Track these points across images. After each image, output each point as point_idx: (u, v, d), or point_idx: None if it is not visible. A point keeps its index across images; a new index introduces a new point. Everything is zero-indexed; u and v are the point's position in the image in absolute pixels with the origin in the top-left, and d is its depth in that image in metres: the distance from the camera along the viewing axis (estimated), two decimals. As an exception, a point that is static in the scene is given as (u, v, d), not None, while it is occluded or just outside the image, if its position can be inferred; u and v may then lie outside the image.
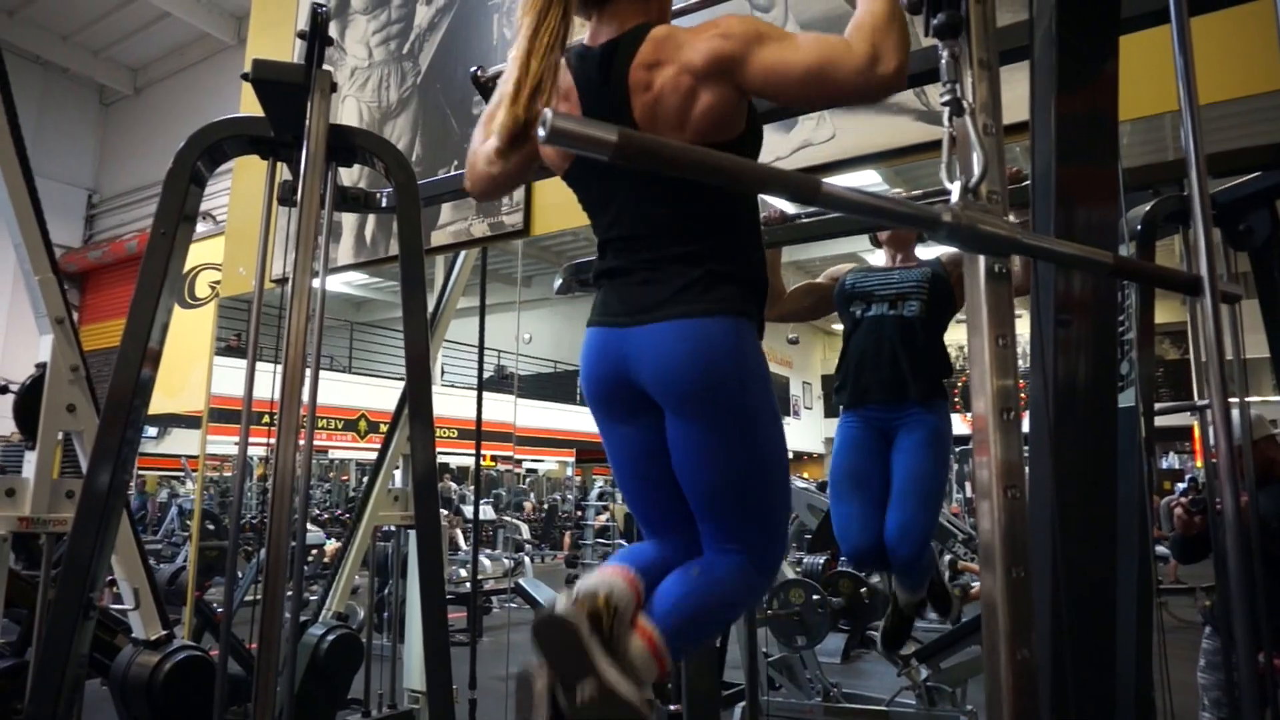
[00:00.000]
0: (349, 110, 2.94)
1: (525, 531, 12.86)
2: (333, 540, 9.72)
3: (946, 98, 0.81)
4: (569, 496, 16.14)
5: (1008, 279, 0.85)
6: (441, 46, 2.73)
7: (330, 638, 2.93)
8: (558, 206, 2.42)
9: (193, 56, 11.38)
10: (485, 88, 1.77)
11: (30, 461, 2.33)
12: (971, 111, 0.80)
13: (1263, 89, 1.50)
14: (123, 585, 2.54)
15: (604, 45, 1.27)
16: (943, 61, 0.83)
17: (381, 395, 13.90)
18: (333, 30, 3.08)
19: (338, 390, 13.26)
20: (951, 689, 5.09)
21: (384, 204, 2.14)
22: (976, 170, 0.78)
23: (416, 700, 3.44)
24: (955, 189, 0.79)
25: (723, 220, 1.27)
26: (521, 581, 6.99)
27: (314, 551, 9.47)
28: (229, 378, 5.83)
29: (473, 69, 1.76)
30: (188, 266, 7.37)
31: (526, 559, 10.63)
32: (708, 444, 1.23)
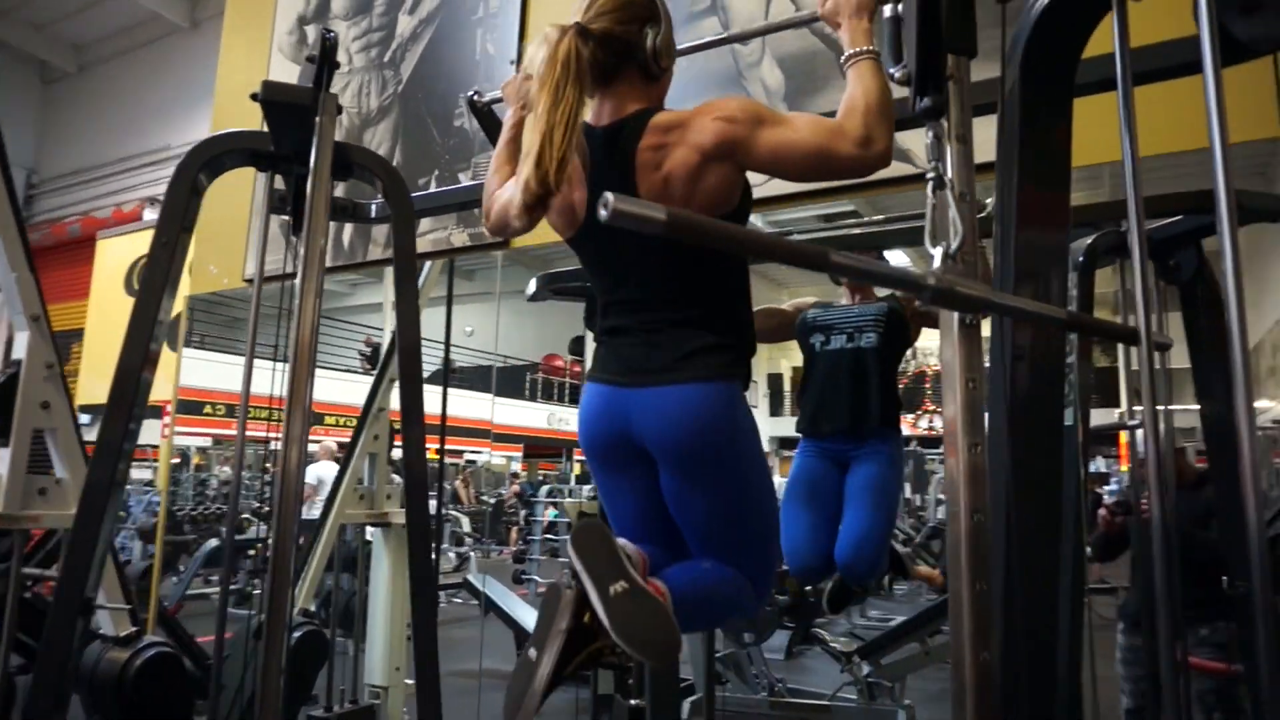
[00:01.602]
0: (327, 114, 2.97)
1: (466, 525, 12.79)
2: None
3: (932, 175, 0.93)
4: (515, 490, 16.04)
5: (978, 329, 0.98)
6: (424, 57, 2.79)
7: (296, 634, 2.97)
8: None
9: (141, 38, 11.09)
10: (481, 112, 1.86)
11: (4, 459, 2.34)
12: (952, 187, 0.93)
13: (1195, 146, 1.67)
14: (93, 581, 2.55)
15: (608, 127, 1.38)
16: (927, 142, 0.96)
17: (330, 387, 13.72)
18: (312, 35, 3.11)
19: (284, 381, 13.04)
20: (891, 684, 5.30)
21: (372, 214, 2.21)
22: (955, 240, 0.91)
23: (377, 695, 3.49)
24: (937, 255, 0.91)
25: (721, 290, 1.40)
26: (470, 577, 7.04)
27: (258, 545, 9.37)
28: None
29: (469, 93, 1.83)
30: (134, 256, 7.19)
31: (471, 554, 10.60)
32: (704, 497, 1.36)
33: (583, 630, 1.26)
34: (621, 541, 1.32)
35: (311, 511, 8.57)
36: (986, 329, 1.08)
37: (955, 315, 0.96)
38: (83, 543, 1.60)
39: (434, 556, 4.58)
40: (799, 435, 2.61)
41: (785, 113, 1.32)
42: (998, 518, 1.12)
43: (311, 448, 11.50)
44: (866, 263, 0.82)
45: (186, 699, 2.66)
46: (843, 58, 1.32)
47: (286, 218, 2.31)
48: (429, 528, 1.77)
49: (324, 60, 1.61)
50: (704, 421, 1.32)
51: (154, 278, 1.71)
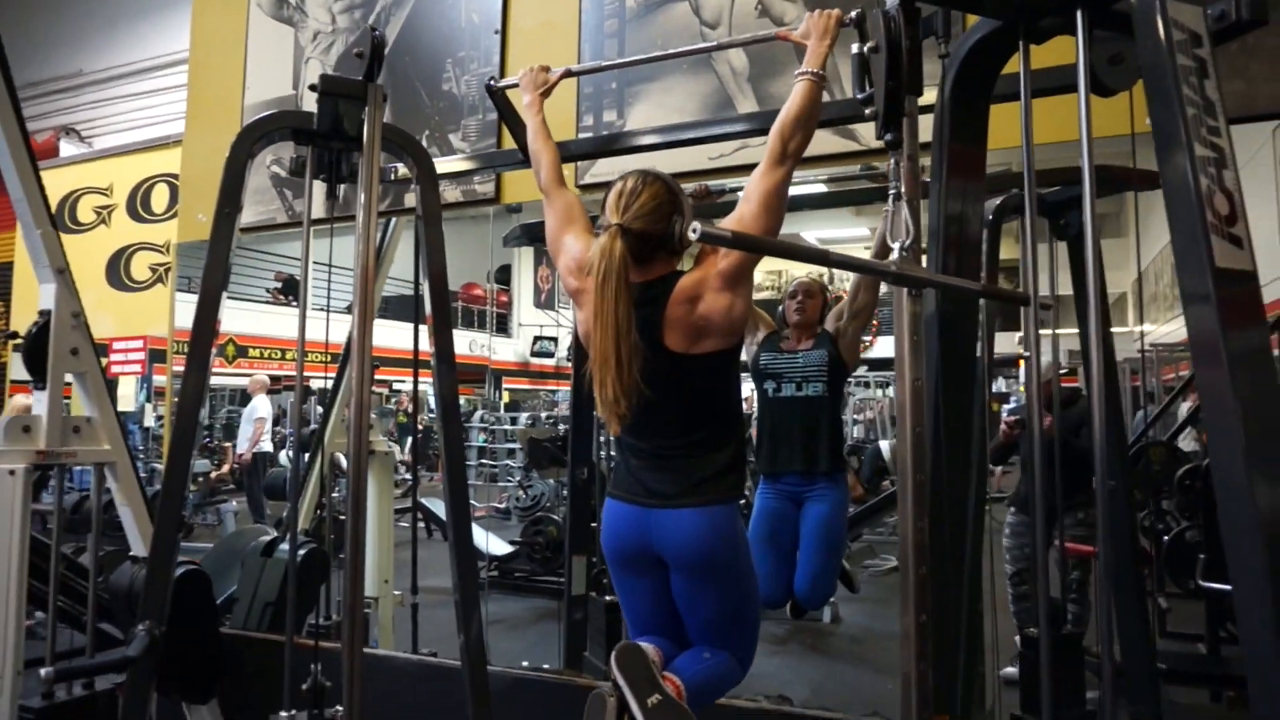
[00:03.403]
0: (313, 72, 3.14)
1: (399, 453, 13.00)
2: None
3: (894, 190, 1.31)
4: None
5: (920, 298, 1.38)
6: (408, 23, 2.99)
7: (302, 552, 3.29)
8: (524, 177, 2.80)
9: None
10: (496, 95, 2.14)
11: (42, 401, 2.55)
12: (908, 200, 1.31)
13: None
14: (123, 510, 2.80)
15: (639, 284, 1.72)
16: (891, 166, 1.33)
17: (248, 319, 13.50)
18: (292, -8, 3.25)
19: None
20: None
21: (392, 177, 2.48)
22: (909, 238, 1.29)
23: (368, 605, 3.85)
24: (896, 248, 1.30)
25: (725, 421, 1.76)
26: (427, 501, 7.39)
27: (200, 479, 9.46)
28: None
29: (487, 80, 2.11)
30: (67, 189, 7.10)
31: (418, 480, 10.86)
32: (709, 596, 1.75)
33: None
34: (646, 646, 1.69)
35: (262, 445, 8.73)
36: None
37: (904, 290, 1.36)
38: (177, 471, 1.89)
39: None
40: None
41: (740, 206, 1.66)
42: (934, 430, 1.54)
43: (242, 381, 11.50)
44: (856, 259, 1.20)
45: (213, 610, 2.96)
46: (796, 71, 1.69)
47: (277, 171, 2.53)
48: (463, 463, 2.11)
49: (374, 56, 1.87)
50: (712, 539, 1.71)
51: (220, 244, 1.97)
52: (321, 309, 2.00)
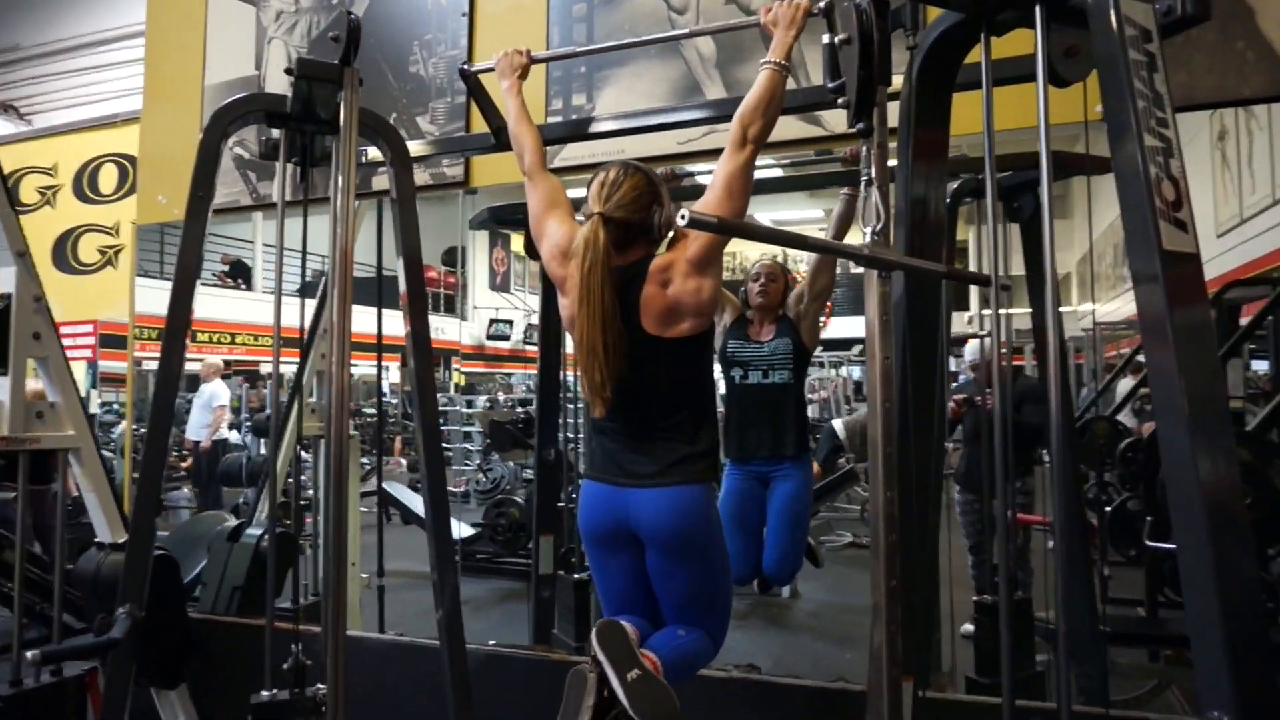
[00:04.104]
0: (276, 53, 3.11)
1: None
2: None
3: (866, 177, 1.37)
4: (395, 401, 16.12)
5: (889, 280, 1.45)
6: (375, 4, 2.97)
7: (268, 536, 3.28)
8: (493, 161, 2.82)
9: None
10: (470, 79, 2.15)
11: (4, 386, 2.50)
12: (879, 186, 1.37)
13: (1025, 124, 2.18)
14: (88, 496, 2.77)
15: (618, 268, 1.76)
16: (863, 153, 1.39)
17: (203, 303, 13.22)
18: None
19: (154, 298, 12.51)
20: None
21: (363, 160, 2.48)
22: (879, 223, 1.36)
23: (336, 588, 3.85)
24: (868, 232, 1.36)
25: (700, 405, 1.81)
26: (387, 486, 7.36)
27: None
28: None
29: (461, 65, 2.12)
30: (8, 169, 6.91)
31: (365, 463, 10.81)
32: (683, 575, 1.80)
33: (602, 703, 1.65)
34: (625, 624, 1.72)
35: (220, 432, 8.62)
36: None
37: (875, 273, 1.43)
38: (154, 454, 1.89)
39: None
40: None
41: (706, 193, 1.74)
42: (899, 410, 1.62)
43: (194, 366, 11.37)
44: (828, 242, 1.26)
45: (181, 595, 2.94)
46: (762, 60, 1.75)
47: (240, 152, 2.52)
48: (439, 445, 2.14)
49: (350, 40, 1.87)
50: (687, 517, 1.77)
51: (194, 228, 1.96)
52: (275, 292, 2.00)
